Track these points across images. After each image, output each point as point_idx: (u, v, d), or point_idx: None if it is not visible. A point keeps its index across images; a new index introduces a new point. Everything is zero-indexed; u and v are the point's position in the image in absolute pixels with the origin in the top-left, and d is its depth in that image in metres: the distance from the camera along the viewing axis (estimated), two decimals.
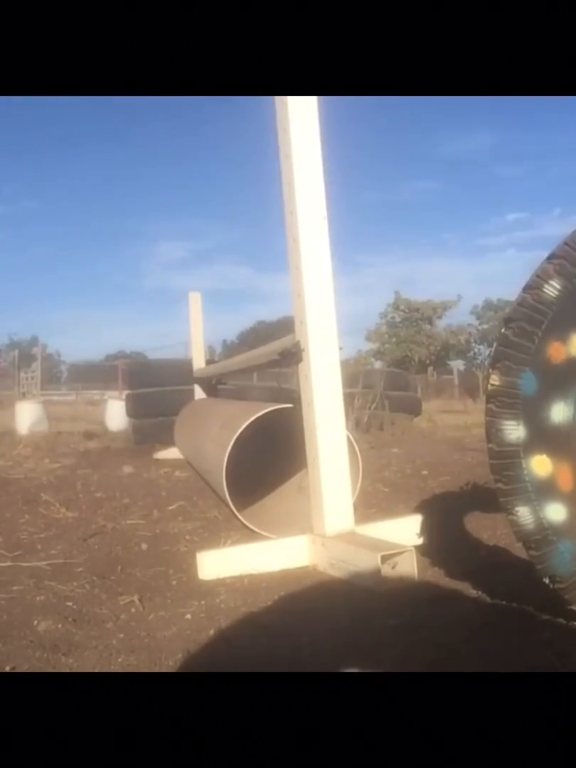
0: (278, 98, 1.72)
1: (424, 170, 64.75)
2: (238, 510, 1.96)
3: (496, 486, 1.13)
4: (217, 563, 1.59)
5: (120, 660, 1.11)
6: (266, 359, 2.16)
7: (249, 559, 1.61)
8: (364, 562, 1.45)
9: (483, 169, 59.36)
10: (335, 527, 1.64)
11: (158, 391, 5.56)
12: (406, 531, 1.76)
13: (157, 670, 1.07)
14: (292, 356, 1.72)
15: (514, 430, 1.10)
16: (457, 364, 26.03)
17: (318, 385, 1.67)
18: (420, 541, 1.75)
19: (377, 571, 1.41)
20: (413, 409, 7.15)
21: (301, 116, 1.69)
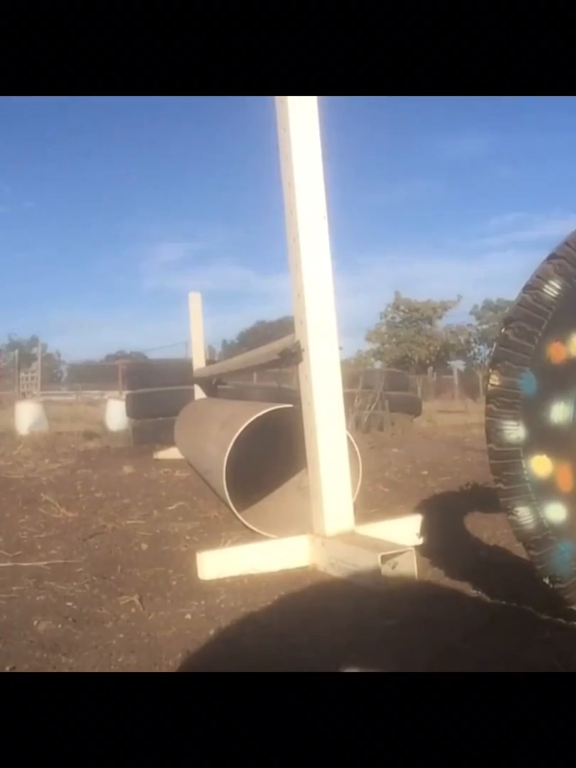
0: (278, 98, 1.72)
1: (423, 171, 64.82)
2: (238, 510, 1.96)
3: (496, 486, 1.13)
4: (217, 563, 1.59)
5: (120, 660, 1.11)
6: (266, 359, 2.16)
7: (249, 559, 1.61)
8: (364, 562, 1.45)
9: (482, 170, 59.47)
10: (335, 527, 1.64)
11: (158, 391, 5.56)
12: (406, 531, 1.76)
13: (157, 670, 1.07)
14: (292, 356, 1.72)
15: (514, 430, 1.10)
16: (457, 364, 26.05)
17: (318, 385, 1.67)
18: (420, 541, 1.75)
19: (377, 571, 1.41)
20: (413, 409, 7.15)
21: (301, 116, 1.69)
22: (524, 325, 1.10)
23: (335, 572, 1.54)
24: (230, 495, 1.94)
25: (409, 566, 1.46)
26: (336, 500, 1.66)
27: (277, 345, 1.90)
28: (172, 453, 4.02)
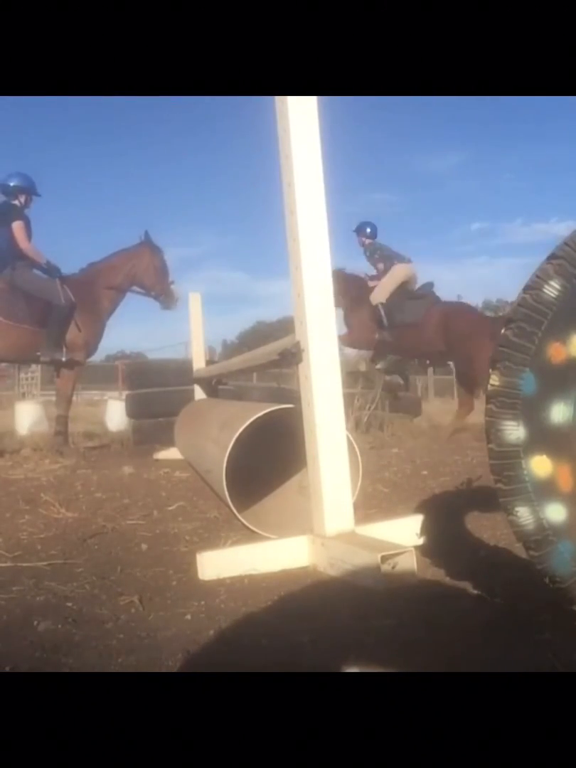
0: (278, 98, 1.72)
1: (394, 185, 65.51)
2: (238, 510, 1.96)
3: (496, 486, 1.13)
4: (217, 564, 1.59)
5: (120, 660, 1.11)
6: (266, 359, 2.16)
7: (249, 560, 1.61)
8: (364, 562, 1.45)
9: (450, 184, 60.32)
10: (335, 527, 1.64)
11: (158, 391, 5.57)
12: (406, 531, 1.76)
13: (157, 670, 1.06)
14: (292, 356, 1.72)
15: (514, 431, 1.10)
16: None
17: (318, 385, 1.67)
18: (420, 541, 1.75)
19: (377, 571, 1.41)
20: (413, 409, 7.15)
21: (301, 116, 1.69)
22: (524, 326, 1.10)
23: (335, 572, 1.54)
24: (230, 495, 1.94)
25: (409, 566, 1.46)
26: (336, 500, 1.66)
27: (277, 345, 1.90)
28: (172, 453, 4.02)
